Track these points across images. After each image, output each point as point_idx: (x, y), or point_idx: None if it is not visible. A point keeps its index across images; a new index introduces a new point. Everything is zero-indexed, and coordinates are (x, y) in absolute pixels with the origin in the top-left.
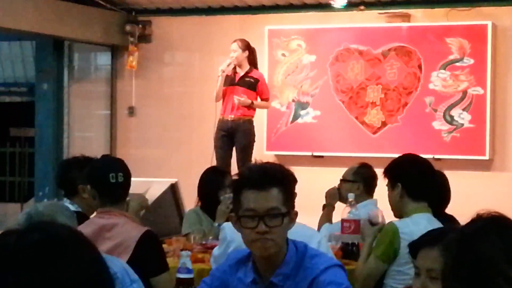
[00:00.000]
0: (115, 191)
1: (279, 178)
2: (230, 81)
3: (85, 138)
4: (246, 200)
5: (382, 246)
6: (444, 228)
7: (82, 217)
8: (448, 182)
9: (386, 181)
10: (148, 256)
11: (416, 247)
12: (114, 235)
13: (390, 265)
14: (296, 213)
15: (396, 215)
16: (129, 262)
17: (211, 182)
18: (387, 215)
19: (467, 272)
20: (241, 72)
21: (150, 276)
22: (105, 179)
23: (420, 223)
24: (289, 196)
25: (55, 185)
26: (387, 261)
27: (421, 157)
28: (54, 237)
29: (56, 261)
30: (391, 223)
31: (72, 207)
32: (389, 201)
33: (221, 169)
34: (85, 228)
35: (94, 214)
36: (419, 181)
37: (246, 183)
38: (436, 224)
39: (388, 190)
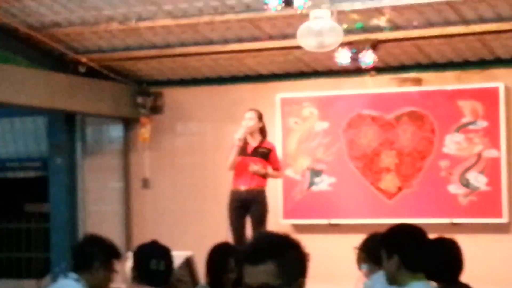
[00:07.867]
0: (154, 277)
1: (270, 252)
2: (242, 152)
3: (100, 212)
4: (244, 275)
5: None
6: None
7: None
8: (458, 250)
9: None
10: None
11: None
12: None
13: None
14: (303, 282)
15: (390, 284)
16: None
17: (217, 263)
18: None
19: None
20: (253, 143)
21: None
22: (147, 264)
23: None
24: (287, 267)
25: (71, 260)
26: None
27: (417, 226)
28: None
29: None
30: None
31: (77, 285)
32: (384, 270)
33: (229, 248)
34: None
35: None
36: (416, 252)
37: (243, 258)
38: None
39: (384, 259)
